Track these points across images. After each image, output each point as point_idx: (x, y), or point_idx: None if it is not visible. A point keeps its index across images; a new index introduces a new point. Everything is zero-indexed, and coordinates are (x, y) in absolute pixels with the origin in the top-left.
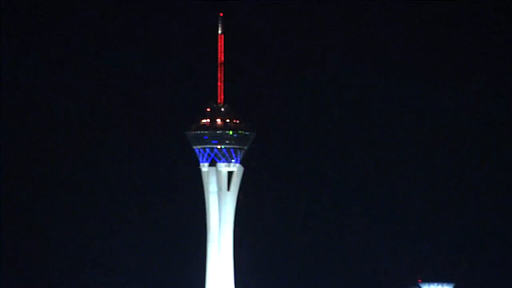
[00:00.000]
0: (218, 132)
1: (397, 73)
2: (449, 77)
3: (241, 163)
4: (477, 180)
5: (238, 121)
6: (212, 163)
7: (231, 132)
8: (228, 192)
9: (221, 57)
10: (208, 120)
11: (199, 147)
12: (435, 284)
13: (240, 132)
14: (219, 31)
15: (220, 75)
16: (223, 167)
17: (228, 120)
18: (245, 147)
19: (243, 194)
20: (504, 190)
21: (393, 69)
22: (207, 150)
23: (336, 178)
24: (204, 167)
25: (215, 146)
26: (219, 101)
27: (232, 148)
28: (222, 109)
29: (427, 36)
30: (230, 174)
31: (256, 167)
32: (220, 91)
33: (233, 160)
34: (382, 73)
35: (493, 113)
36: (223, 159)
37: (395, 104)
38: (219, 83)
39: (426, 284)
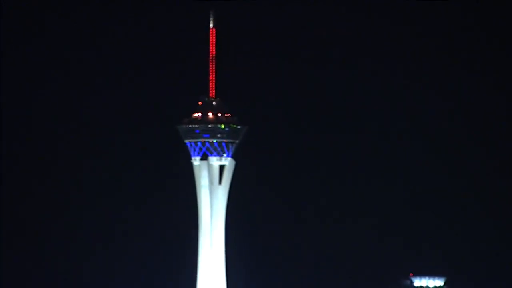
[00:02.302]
0: (209, 126)
1: (393, 70)
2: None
3: (232, 157)
4: (469, 174)
5: (229, 115)
6: (204, 157)
7: (222, 126)
8: (220, 186)
9: (212, 50)
10: (200, 114)
11: (190, 141)
12: (427, 277)
13: (231, 126)
14: (211, 25)
15: (212, 69)
16: (215, 161)
17: (219, 114)
18: (237, 141)
19: (235, 188)
20: (495, 185)
21: (389, 64)
22: (199, 144)
23: (328, 172)
24: (196, 161)
25: (206, 140)
26: (210, 95)
27: (224, 142)
28: (214, 103)
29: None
30: (221, 168)
31: (248, 161)
32: (212, 85)
33: (224, 154)
34: (378, 68)
35: (473, 111)
36: (214, 153)
37: (389, 99)
38: (210, 77)
39: (418, 277)
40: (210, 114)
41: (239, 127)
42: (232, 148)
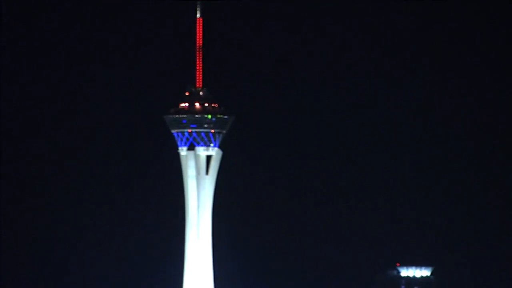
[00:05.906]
0: (196, 116)
1: (386, 62)
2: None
3: (219, 147)
4: (458, 167)
5: (216, 105)
6: (191, 147)
7: (209, 116)
8: (207, 176)
9: (199, 41)
10: (187, 104)
11: (177, 131)
12: (414, 268)
13: (218, 116)
14: (198, 15)
15: (199, 59)
16: (202, 151)
17: (206, 104)
18: (224, 131)
19: (222, 178)
20: (484, 178)
21: (383, 54)
22: (186, 134)
23: (315, 162)
24: (183, 151)
25: (193, 130)
26: (197, 85)
27: (211, 132)
28: (201, 93)
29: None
30: (208, 158)
31: (235, 151)
32: (199, 75)
33: (211, 144)
34: (372, 59)
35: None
36: (201, 143)
37: (377, 88)
38: (197, 67)
39: (405, 268)
40: (197, 104)
41: (226, 117)
42: (219, 138)
